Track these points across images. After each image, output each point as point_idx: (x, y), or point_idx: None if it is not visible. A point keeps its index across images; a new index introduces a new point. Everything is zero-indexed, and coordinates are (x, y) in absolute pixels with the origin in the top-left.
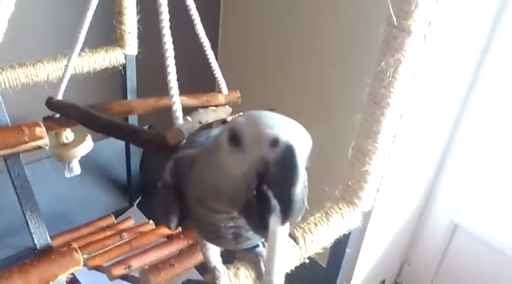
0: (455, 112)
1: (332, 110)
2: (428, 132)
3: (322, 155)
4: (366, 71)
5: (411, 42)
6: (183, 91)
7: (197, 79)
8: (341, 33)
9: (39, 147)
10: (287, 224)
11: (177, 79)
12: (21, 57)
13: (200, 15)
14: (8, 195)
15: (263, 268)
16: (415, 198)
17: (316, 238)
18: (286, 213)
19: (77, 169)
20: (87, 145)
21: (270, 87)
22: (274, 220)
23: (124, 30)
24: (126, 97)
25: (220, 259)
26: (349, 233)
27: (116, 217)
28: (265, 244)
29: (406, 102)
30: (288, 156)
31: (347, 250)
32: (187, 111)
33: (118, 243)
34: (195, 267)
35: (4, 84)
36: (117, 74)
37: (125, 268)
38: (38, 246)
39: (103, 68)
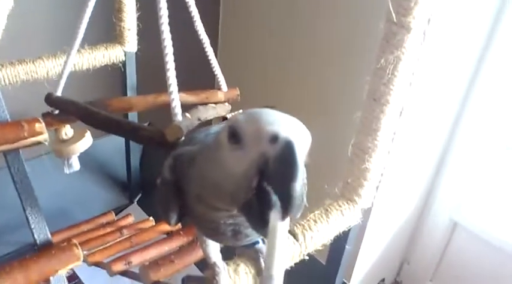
0: (455, 110)
1: (332, 108)
2: (428, 130)
3: (321, 152)
4: (365, 68)
5: (411, 39)
6: (182, 88)
7: (197, 77)
8: (341, 31)
9: (39, 143)
10: (287, 220)
11: (177, 77)
12: (21, 54)
13: (200, 13)
14: (7, 192)
15: (263, 265)
16: (414, 196)
17: (316, 235)
18: (286, 209)
19: (76, 165)
20: (87, 141)
21: (270, 85)
22: (274, 216)
23: (124, 27)
24: (125, 94)
25: (220, 255)
26: (349, 230)
27: (116, 214)
28: (265, 241)
29: (406, 100)
30: (287, 152)
31: (347, 247)
32: (186, 108)
33: (118, 239)
34: (195, 263)
35: (4, 80)
36: (116, 71)
37: (125, 264)
38: (38, 241)
39: (103, 65)
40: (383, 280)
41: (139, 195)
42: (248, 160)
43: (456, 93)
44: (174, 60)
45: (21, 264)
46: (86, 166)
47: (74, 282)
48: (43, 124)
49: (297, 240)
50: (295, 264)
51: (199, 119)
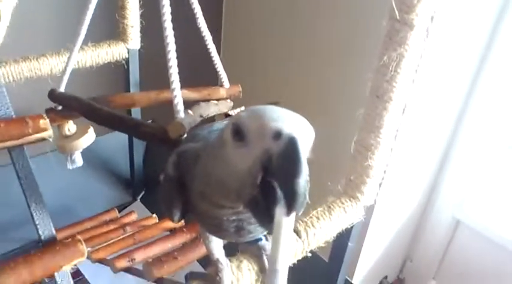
0: (458, 108)
1: (334, 104)
2: (431, 127)
3: (324, 150)
4: (368, 65)
5: (414, 37)
6: (184, 85)
7: (199, 74)
8: (343, 28)
9: (43, 139)
10: (292, 215)
11: (179, 73)
12: (25, 51)
13: (203, 10)
14: (12, 189)
15: (266, 261)
16: (417, 194)
17: (319, 232)
18: (290, 204)
19: (79, 161)
20: (89, 137)
21: (272, 82)
22: (279, 211)
23: (127, 25)
24: (129, 91)
25: (223, 251)
26: (352, 227)
27: (119, 211)
28: (268, 238)
29: (409, 97)
30: (291, 148)
31: (349, 244)
32: (188, 104)
33: (121, 237)
34: (198, 260)
35: (8, 77)
36: (120, 68)
37: (129, 261)
38: (42, 237)
39: (106, 62)
40: (386, 277)
41: (143, 193)
42: (252, 157)
43: (459, 90)
44: (177, 57)
45: (26, 260)
46: (89, 164)
47: (77, 279)
48: (47, 120)
49: (300, 237)
50: (298, 261)
51: (201, 116)
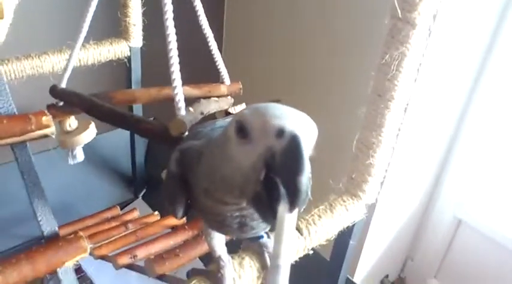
0: (460, 107)
1: (336, 103)
2: (432, 126)
3: (326, 148)
4: (370, 64)
5: (416, 35)
6: (186, 82)
7: (200, 71)
8: (345, 26)
9: (46, 136)
10: (295, 212)
11: (181, 71)
12: (27, 49)
13: (204, 7)
14: (14, 186)
15: (267, 259)
16: (419, 193)
17: (320, 230)
18: (292, 201)
19: (80, 156)
20: (91, 132)
21: (273, 79)
22: (282, 207)
23: (129, 23)
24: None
25: (225, 248)
26: (353, 225)
27: (121, 209)
28: (270, 236)
29: (411, 96)
30: (293, 145)
31: (351, 242)
32: (189, 101)
33: (123, 234)
34: (200, 257)
35: (10, 75)
36: (122, 66)
37: (131, 258)
38: (45, 233)
39: (108, 60)
40: (387, 276)
41: (144, 190)
42: (256, 154)
43: (461, 89)
44: (178, 55)
45: (28, 256)
46: (91, 161)
47: (79, 276)
48: (50, 117)
49: (302, 234)
50: (299, 259)
51: (202, 113)
